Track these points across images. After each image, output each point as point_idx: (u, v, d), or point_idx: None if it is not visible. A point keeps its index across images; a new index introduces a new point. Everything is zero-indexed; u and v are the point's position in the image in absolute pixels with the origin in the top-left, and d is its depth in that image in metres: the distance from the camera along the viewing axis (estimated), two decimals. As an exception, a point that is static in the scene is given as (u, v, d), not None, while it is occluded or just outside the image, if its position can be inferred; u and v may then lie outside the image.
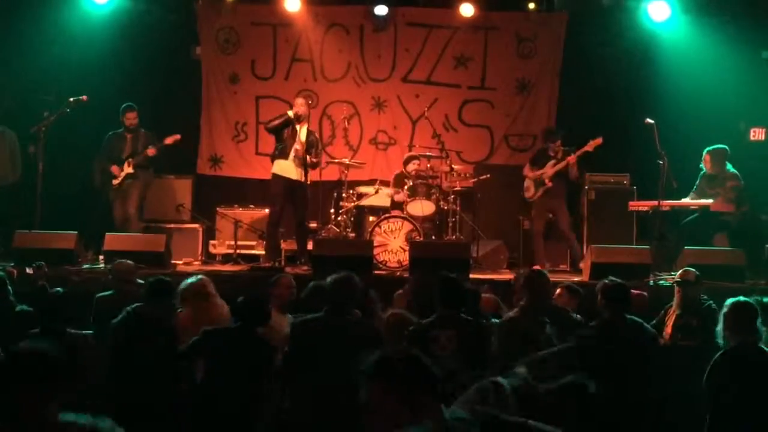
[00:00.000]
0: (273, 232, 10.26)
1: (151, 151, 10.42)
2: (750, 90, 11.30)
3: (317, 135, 10.71)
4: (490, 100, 12.59)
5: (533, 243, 10.70)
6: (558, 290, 6.82)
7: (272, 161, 10.26)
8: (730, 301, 5.36)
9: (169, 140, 10.60)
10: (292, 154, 10.02)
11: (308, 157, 9.99)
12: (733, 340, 5.18)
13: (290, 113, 10.04)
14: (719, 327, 5.34)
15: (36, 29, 11.05)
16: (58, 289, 5.95)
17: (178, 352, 5.62)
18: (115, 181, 10.44)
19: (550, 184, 10.48)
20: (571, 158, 10.38)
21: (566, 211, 10.61)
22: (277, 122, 10.09)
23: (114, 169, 10.44)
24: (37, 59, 11.13)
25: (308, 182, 10.15)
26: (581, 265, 9.94)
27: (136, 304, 5.86)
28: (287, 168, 10.06)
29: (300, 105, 10.16)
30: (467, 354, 5.38)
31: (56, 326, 5.67)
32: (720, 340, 5.33)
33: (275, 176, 10.17)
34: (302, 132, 10.11)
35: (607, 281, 5.98)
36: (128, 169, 10.43)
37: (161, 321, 5.78)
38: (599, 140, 10.27)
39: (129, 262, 7.22)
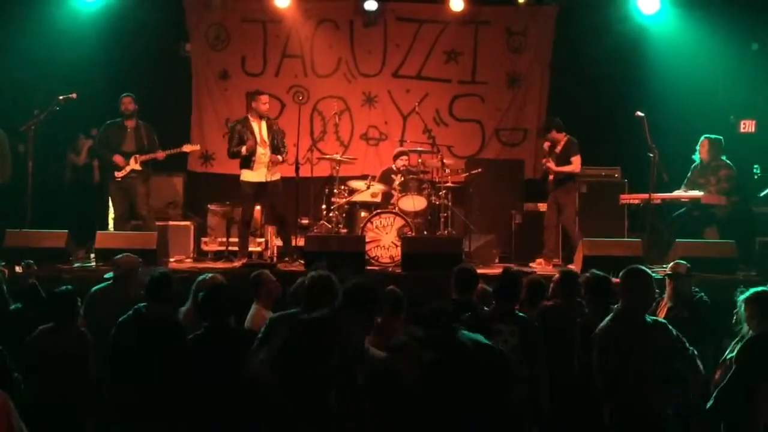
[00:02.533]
0: (244, 231, 10.36)
1: (160, 155, 10.20)
2: (740, 82, 11.35)
3: (278, 126, 10.53)
4: (480, 94, 12.61)
5: (544, 234, 10.68)
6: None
7: (240, 168, 10.20)
8: (749, 292, 5.31)
9: (187, 148, 10.55)
10: (257, 162, 10.04)
11: (278, 156, 10.08)
12: (760, 328, 5.16)
13: (242, 149, 10.01)
14: (744, 323, 5.31)
15: (25, 27, 11.00)
16: (68, 286, 6.00)
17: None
18: (119, 174, 10.12)
19: (550, 178, 10.52)
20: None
21: (570, 203, 10.55)
22: (241, 154, 10.07)
23: (118, 159, 10.10)
24: (26, 57, 11.09)
25: (279, 179, 10.22)
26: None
27: (143, 304, 5.85)
28: (254, 175, 10.09)
29: (265, 102, 10.17)
30: (526, 350, 5.44)
31: (68, 322, 5.82)
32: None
33: (243, 182, 10.17)
34: (263, 133, 10.11)
35: (588, 275, 6.02)
36: (135, 165, 10.11)
37: (167, 318, 5.78)
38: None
39: (133, 256, 7.20)
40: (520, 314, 5.74)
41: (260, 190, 10.15)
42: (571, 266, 9.66)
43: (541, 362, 5.55)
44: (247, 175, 10.11)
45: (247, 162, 10.05)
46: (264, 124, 10.12)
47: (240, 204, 11.30)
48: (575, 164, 10.39)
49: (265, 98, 10.21)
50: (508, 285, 5.86)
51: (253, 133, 10.03)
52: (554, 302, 6.36)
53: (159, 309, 5.78)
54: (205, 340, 5.37)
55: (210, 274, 6.41)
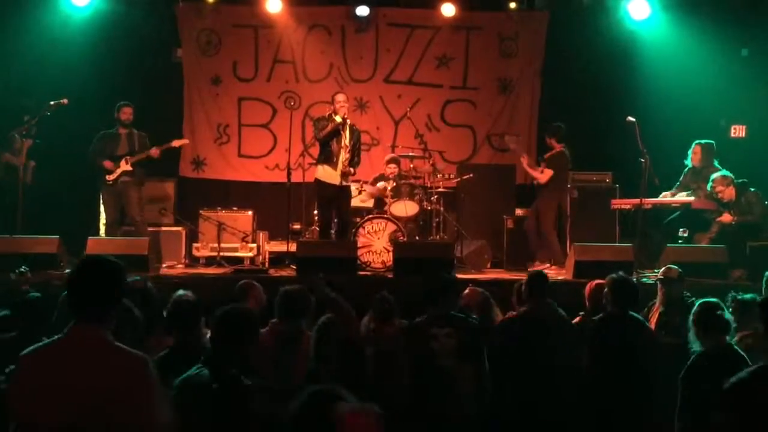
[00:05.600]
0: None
1: (154, 152, 10.11)
2: (730, 87, 11.38)
3: (358, 130, 10.25)
4: (472, 99, 12.63)
5: (529, 241, 10.73)
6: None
7: (316, 165, 10.00)
8: (697, 302, 5.33)
9: (176, 143, 10.51)
10: (340, 161, 9.73)
11: (350, 168, 9.78)
12: (706, 342, 5.14)
13: (338, 118, 9.64)
14: (690, 332, 5.31)
15: (15, 32, 10.97)
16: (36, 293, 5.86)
17: None
18: (110, 177, 10.08)
19: (535, 182, 10.58)
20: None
21: (549, 210, 10.58)
22: (327, 132, 9.68)
23: (108, 163, 10.07)
24: (16, 63, 11.07)
25: (350, 184, 10.08)
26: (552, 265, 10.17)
27: None
28: (332, 175, 9.78)
29: (342, 103, 9.77)
30: (464, 352, 5.50)
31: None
32: (694, 346, 5.29)
33: (320, 182, 9.88)
34: (347, 133, 9.80)
35: (615, 276, 6.03)
36: (125, 167, 10.08)
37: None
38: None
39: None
40: (460, 316, 5.76)
41: (333, 193, 9.88)
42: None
43: (483, 360, 5.61)
44: (323, 174, 9.84)
45: (329, 157, 9.79)
46: (347, 127, 9.82)
47: (231, 209, 11.36)
48: (545, 174, 10.40)
49: (340, 97, 9.85)
50: (445, 289, 5.88)
51: (342, 135, 9.74)
52: (528, 307, 6.35)
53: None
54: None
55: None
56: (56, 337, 3.24)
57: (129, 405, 3.06)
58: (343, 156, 9.76)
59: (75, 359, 3.10)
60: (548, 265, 10.18)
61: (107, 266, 3.36)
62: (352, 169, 9.87)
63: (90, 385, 3.04)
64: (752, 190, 9.65)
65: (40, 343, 3.24)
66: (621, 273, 6.07)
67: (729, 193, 9.53)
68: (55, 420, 3.02)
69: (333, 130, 9.68)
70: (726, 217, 9.52)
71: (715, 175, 9.64)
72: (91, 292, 3.25)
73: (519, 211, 11.42)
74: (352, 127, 9.92)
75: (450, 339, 5.50)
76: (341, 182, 9.79)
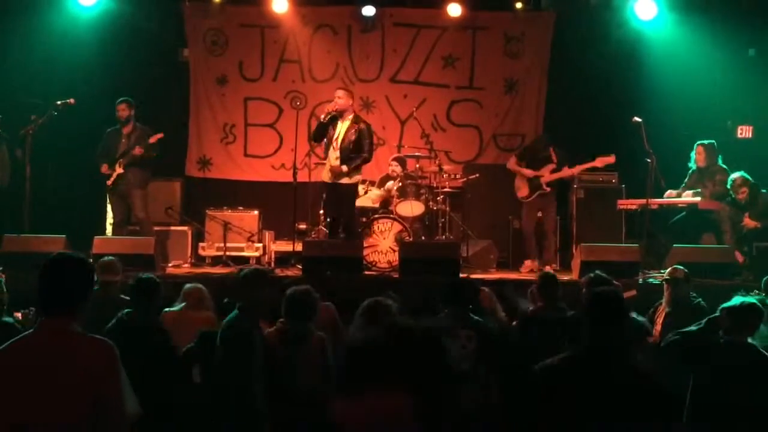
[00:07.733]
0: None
1: (137, 151, 10.02)
2: (737, 87, 11.34)
3: (364, 124, 9.84)
4: (478, 99, 12.62)
5: (524, 241, 10.71)
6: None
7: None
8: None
9: (152, 139, 10.19)
10: (331, 157, 9.67)
11: (342, 167, 9.53)
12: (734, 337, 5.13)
13: (322, 117, 9.68)
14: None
15: (22, 32, 11.01)
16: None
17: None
18: (108, 182, 10.12)
19: (548, 190, 10.52)
20: (575, 170, 10.55)
21: (553, 209, 10.67)
22: (313, 131, 9.75)
23: (104, 168, 10.10)
24: (23, 62, 11.10)
25: (351, 182, 9.79)
26: (549, 267, 10.15)
27: (127, 310, 5.80)
28: (325, 172, 9.75)
29: (336, 98, 9.71)
30: (482, 355, 5.48)
31: None
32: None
33: (321, 181, 9.93)
34: (342, 129, 9.65)
35: (592, 275, 6.04)
36: (119, 170, 10.05)
37: (152, 326, 5.73)
38: (612, 158, 10.31)
39: (113, 259, 7.18)
40: (478, 319, 5.75)
41: (327, 191, 9.85)
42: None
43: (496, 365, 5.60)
44: (321, 173, 9.86)
45: (325, 155, 9.82)
46: (346, 123, 9.67)
47: (237, 209, 11.37)
48: (575, 168, 10.56)
49: (338, 92, 9.78)
50: (461, 291, 5.89)
51: (335, 129, 9.67)
52: (537, 307, 6.36)
53: (143, 316, 5.72)
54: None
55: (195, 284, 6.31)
56: (25, 333, 3.31)
57: (102, 386, 3.11)
58: (333, 154, 9.66)
59: (45, 350, 3.15)
60: (544, 266, 10.24)
61: (76, 263, 3.36)
62: (344, 167, 9.57)
63: (61, 372, 3.09)
64: (764, 191, 9.65)
65: (12, 340, 3.26)
66: (597, 272, 6.07)
67: (746, 194, 9.54)
68: (29, 413, 3.05)
69: (317, 128, 9.77)
70: (750, 222, 9.50)
71: (735, 175, 9.63)
72: (61, 287, 3.27)
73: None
74: (354, 122, 9.72)
75: (470, 342, 5.48)
76: (332, 179, 9.67)
